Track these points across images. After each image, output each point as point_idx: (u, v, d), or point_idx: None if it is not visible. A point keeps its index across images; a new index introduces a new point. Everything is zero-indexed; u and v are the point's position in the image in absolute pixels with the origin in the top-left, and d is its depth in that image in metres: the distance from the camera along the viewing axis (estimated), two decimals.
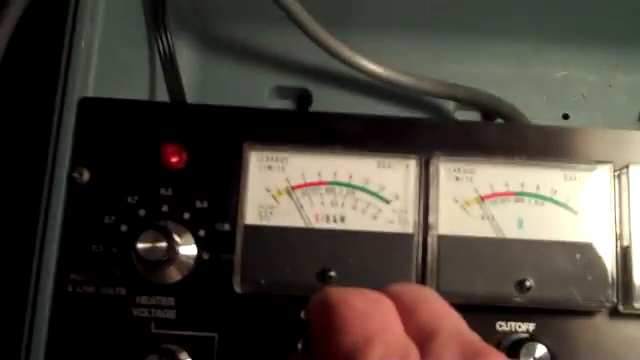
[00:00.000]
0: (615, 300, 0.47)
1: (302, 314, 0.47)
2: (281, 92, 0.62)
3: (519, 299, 0.47)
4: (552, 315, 0.47)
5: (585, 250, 0.47)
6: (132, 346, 0.46)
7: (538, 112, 0.62)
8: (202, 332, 0.47)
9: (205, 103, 0.59)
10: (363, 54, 0.58)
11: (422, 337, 0.33)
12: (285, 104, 0.63)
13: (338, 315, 0.33)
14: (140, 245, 0.45)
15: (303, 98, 0.63)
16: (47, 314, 0.47)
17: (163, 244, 0.45)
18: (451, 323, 0.34)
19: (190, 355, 0.46)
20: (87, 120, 0.49)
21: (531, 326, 0.47)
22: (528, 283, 0.46)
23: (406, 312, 0.34)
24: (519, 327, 0.47)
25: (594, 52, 0.64)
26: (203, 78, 0.62)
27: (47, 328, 0.47)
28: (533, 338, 0.46)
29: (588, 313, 0.47)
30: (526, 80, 0.64)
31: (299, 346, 0.46)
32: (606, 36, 0.64)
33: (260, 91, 0.61)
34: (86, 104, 0.49)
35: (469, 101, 0.60)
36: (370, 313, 0.34)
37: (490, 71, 0.65)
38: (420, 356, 0.32)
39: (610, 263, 0.47)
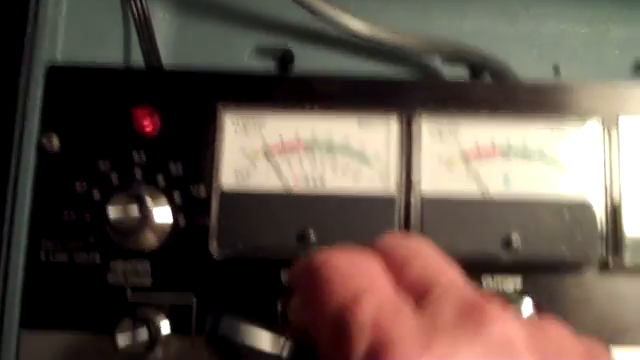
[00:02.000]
0: (604, 255, 0.45)
1: (283, 279, 0.46)
2: (262, 52, 0.60)
3: (506, 257, 0.45)
4: (539, 271, 0.46)
5: (574, 206, 0.46)
6: (108, 313, 0.45)
7: (529, 67, 0.60)
8: (179, 298, 0.46)
9: (183, 66, 0.57)
10: (346, 12, 0.56)
11: (417, 293, 0.32)
12: (266, 64, 0.61)
13: (322, 277, 0.33)
14: (111, 210, 0.43)
15: (285, 58, 0.61)
16: (20, 283, 0.46)
17: (134, 210, 0.44)
18: (446, 277, 0.33)
19: (168, 320, 0.45)
20: (55, 87, 0.48)
21: (518, 282, 0.46)
22: (515, 241, 0.45)
23: (398, 268, 0.33)
24: (506, 283, 0.46)
25: (586, 5, 0.62)
26: (180, 40, 0.59)
27: (20, 297, 0.46)
28: (520, 294, 0.45)
29: (577, 269, 0.46)
30: (516, 35, 0.62)
31: (278, 308, 0.45)
32: None
33: (240, 52, 0.59)
34: (54, 72, 0.48)
35: (455, 57, 0.58)
36: (355, 272, 0.33)
37: (479, 26, 0.62)
38: (414, 312, 0.30)
39: (599, 219, 0.45)
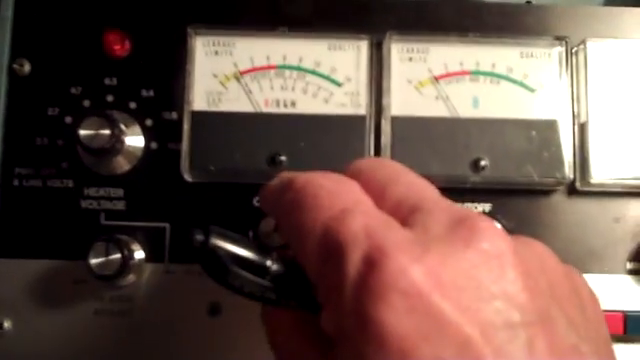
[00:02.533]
0: (572, 177, 0.46)
1: (255, 202, 0.46)
2: None
3: (474, 179, 0.46)
4: (509, 195, 0.47)
5: (542, 128, 0.46)
6: (82, 238, 0.46)
7: None
8: (153, 222, 0.46)
9: None
10: None
11: (404, 211, 0.31)
12: None
13: (308, 194, 0.32)
14: (82, 132, 0.44)
15: None
16: None
17: (107, 131, 0.44)
18: (431, 193, 0.33)
19: (142, 246, 0.46)
20: (25, 10, 0.47)
21: (487, 206, 0.47)
22: (483, 162, 0.46)
23: (379, 190, 0.33)
24: (475, 207, 0.47)
25: None
26: None
27: None
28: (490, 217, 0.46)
29: (545, 192, 0.47)
30: None
31: (249, 234, 0.45)
32: None
33: None
34: None
35: None
36: (340, 189, 0.32)
37: None
38: (404, 227, 0.30)
39: (567, 140, 0.46)
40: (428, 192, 0.33)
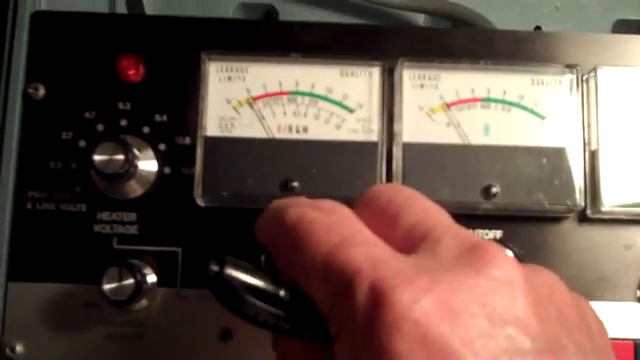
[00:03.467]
0: (583, 204, 0.46)
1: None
2: (246, 9, 0.60)
3: (486, 205, 0.46)
4: (520, 221, 0.47)
5: (552, 155, 0.46)
6: (94, 262, 0.46)
7: (510, 24, 0.61)
8: (165, 247, 0.46)
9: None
10: None
11: (416, 237, 0.31)
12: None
13: (302, 233, 0.32)
14: (97, 157, 0.44)
15: (269, 14, 0.61)
16: (7, 232, 0.46)
17: (121, 156, 0.44)
18: (444, 220, 0.33)
19: (154, 270, 0.46)
20: (41, 34, 0.48)
21: (498, 233, 0.47)
22: (494, 189, 0.46)
23: (392, 216, 0.33)
24: (486, 234, 0.47)
25: None
26: None
27: (8, 246, 0.46)
28: (501, 244, 0.46)
29: (556, 218, 0.47)
30: None
31: (262, 259, 0.45)
32: None
33: (224, 9, 0.59)
34: (39, 18, 0.48)
35: (438, 13, 0.58)
36: (334, 221, 0.32)
37: None
38: (412, 256, 0.30)
39: (578, 168, 0.46)
40: (441, 218, 0.33)
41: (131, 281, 0.44)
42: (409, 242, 0.31)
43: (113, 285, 0.43)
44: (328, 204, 0.33)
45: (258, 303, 0.32)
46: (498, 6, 0.61)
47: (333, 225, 0.32)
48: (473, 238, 0.31)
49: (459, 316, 0.27)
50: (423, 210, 0.33)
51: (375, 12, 0.61)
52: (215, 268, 0.32)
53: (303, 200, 0.35)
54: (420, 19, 0.61)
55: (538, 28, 0.62)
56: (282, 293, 0.33)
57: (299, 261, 0.32)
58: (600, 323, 0.33)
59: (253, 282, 0.33)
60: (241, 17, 0.60)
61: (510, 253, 0.45)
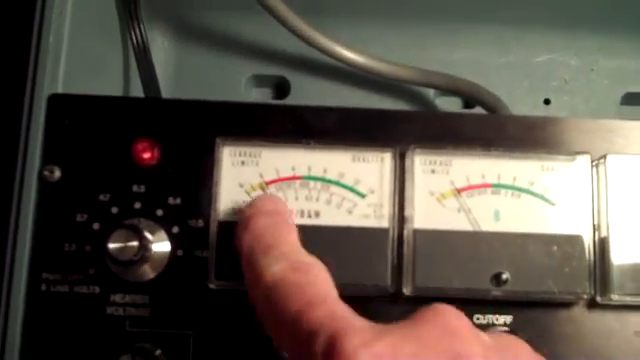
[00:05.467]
0: (593, 292, 0.46)
1: None
2: (258, 81, 0.61)
3: (496, 292, 0.46)
4: (529, 307, 0.47)
5: (562, 242, 0.47)
6: (106, 345, 0.46)
7: (519, 97, 0.62)
8: (177, 330, 0.47)
9: (181, 93, 0.58)
10: (341, 42, 0.57)
11: None
12: (263, 93, 0.62)
13: (279, 294, 0.36)
14: (111, 245, 0.44)
15: (281, 86, 0.62)
16: (20, 314, 0.47)
17: (135, 243, 0.44)
18: None
19: (165, 353, 0.46)
20: (57, 117, 0.48)
21: (508, 319, 0.47)
22: (505, 276, 0.46)
23: None
24: (496, 320, 0.47)
25: (576, 36, 0.63)
26: (178, 68, 0.61)
27: (21, 328, 0.46)
28: (510, 331, 0.46)
29: (566, 305, 0.47)
30: (507, 65, 0.63)
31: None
32: (588, 20, 0.63)
33: (237, 80, 0.60)
34: (55, 100, 0.49)
35: (448, 89, 0.59)
36: (307, 282, 0.37)
37: (471, 56, 0.64)
38: None
39: (588, 254, 0.47)
40: None
41: None
42: None
43: None
44: (306, 266, 0.39)
45: None
46: (507, 79, 0.62)
47: (305, 286, 0.36)
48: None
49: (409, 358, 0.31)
50: None
51: (384, 84, 0.62)
52: None
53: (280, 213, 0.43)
54: (430, 93, 0.62)
55: (547, 101, 0.62)
56: None
57: (273, 319, 0.37)
58: None
59: None
60: (253, 88, 0.61)
61: None
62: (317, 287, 0.37)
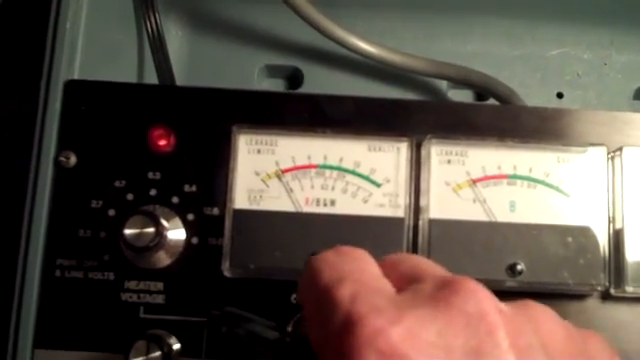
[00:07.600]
0: (607, 284, 0.46)
1: (292, 298, 0.47)
2: (271, 71, 0.61)
3: (510, 283, 0.46)
4: (544, 299, 0.47)
5: (577, 233, 0.47)
6: (120, 331, 0.46)
7: (532, 91, 0.62)
8: (191, 317, 0.47)
9: (194, 83, 0.58)
10: (355, 33, 0.57)
11: (404, 283, 0.33)
12: (275, 83, 0.62)
13: (315, 269, 0.35)
14: (127, 231, 0.44)
15: (294, 77, 0.62)
16: (35, 299, 0.47)
17: (151, 229, 0.45)
18: (434, 270, 0.34)
19: (179, 340, 0.46)
20: (73, 103, 0.48)
21: None
22: (519, 267, 0.46)
23: (390, 267, 0.35)
24: None
25: (589, 30, 0.63)
26: (192, 57, 0.61)
27: (35, 313, 0.47)
28: None
29: (580, 296, 0.47)
30: (520, 58, 0.63)
31: (289, 329, 0.46)
32: (601, 14, 0.63)
33: (250, 70, 0.60)
34: (72, 87, 0.49)
35: (461, 80, 0.59)
36: (341, 260, 0.35)
37: (484, 49, 0.64)
38: (397, 293, 0.32)
39: (602, 246, 0.47)
40: (431, 269, 0.35)
41: (158, 354, 0.44)
42: (401, 285, 0.33)
43: (140, 359, 0.44)
44: (347, 248, 0.36)
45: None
46: (520, 73, 0.62)
47: (337, 264, 0.35)
48: (451, 276, 0.32)
49: (423, 348, 0.28)
50: (416, 263, 0.36)
51: (398, 75, 0.62)
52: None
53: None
54: (442, 85, 0.62)
55: (560, 95, 0.62)
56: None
57: (304, 293, 0.35)
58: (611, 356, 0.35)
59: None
60: (266, 78, 0.61)
61: None
62: (349, 265, 0.35)
